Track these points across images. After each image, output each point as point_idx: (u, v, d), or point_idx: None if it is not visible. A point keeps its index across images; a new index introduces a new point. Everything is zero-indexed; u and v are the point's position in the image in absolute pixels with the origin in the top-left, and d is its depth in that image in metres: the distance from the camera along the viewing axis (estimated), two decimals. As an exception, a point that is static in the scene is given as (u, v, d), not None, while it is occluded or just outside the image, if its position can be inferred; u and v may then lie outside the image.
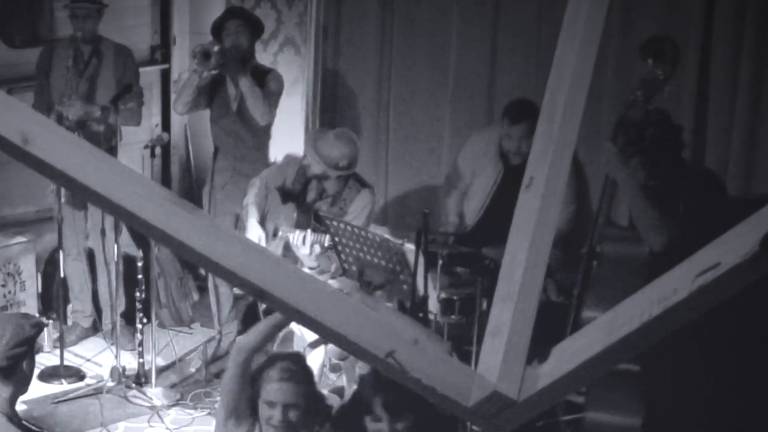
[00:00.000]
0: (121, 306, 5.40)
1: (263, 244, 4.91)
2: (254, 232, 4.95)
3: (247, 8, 6.06)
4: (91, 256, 5.56)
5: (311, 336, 4.17)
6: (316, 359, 4.65)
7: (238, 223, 5.10)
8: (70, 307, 5.62)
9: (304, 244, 4.71)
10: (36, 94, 5.45)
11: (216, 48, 5.20)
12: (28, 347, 3.22)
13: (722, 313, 1.58)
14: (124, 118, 5.28)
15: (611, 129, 4.05)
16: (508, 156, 5.05)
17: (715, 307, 1.54)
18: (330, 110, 5.92)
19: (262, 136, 5.43)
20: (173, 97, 6.42)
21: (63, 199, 5.25)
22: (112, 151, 5.06)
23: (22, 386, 3.26)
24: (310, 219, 4.90)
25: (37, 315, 5.52)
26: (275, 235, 4.97)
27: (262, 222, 5.01)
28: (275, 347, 5.25)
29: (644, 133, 3.82)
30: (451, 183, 5.32)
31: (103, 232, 5.28)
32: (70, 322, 5.60)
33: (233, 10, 5.66)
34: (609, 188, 3.89)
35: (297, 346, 4.77)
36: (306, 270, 4.78)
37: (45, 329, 3.39)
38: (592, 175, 5.13)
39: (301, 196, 4.99)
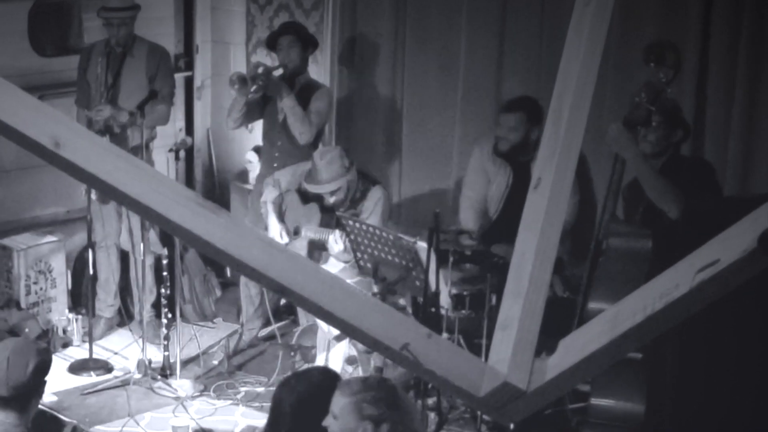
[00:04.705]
0: (150, 302, 5.50)
1: (285, 238, 5.03)
2: (275, 228, 5.07)
3: (265, 18, 6.11)
4: (125, 254, 5.64)
5: (335, 330, 4.25)
6: (339, 352, 4.74)
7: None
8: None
9: (339, 240, 4.81)
10: (77, 91, 5.56)
11: (260, 70, 5.23)
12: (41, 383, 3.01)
13: (723, 303, 1.63)
14: (153, 119, 5.36)
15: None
16: (498, 141, 5.02)
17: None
18: (346, 115, 6.01)
19: (305, 149, 5.38)
20: (196, 102, 6.53)
21: (94, 197, 5.35)
22: (137, 151, 5.13)
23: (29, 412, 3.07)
24: (333, 217, 4.97)
25: (67, 311, 5.65)
26: (296, 233, 5.07)
27: (281, 220, 5.12)
28: (295, 339, 5.34)
29: (652, 118, 3.88)
30: (465, 195, 5.25)
31: (130, 231, 5.37)
32: (97, 316, 5.70)
33: (287, 26, 5.61)
34: (614, 185, 3.92)
35: (321, 340, 4.85)
36: (335, 261, 4.88)
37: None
38: (595, 173, 5.15)
39: (323, 198, 5.04)
